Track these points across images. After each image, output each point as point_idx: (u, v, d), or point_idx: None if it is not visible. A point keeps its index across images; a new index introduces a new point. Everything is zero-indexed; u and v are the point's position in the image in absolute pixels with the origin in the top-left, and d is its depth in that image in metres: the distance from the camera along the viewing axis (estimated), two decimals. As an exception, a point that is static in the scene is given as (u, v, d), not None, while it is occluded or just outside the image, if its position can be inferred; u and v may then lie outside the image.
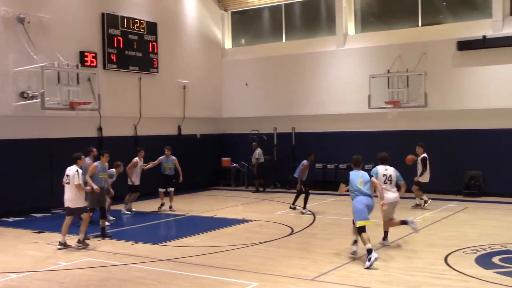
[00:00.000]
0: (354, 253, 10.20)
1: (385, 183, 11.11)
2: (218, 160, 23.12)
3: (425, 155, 16.27)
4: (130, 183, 15.90)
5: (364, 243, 9.63)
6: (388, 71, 18.98)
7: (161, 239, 12.39)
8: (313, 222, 14.18)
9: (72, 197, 11.28)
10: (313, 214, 15.27)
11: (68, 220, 11.43)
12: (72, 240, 11.65)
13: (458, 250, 10.58)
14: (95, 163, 12.82)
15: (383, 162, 11.41)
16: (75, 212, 11.39)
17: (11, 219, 15.26)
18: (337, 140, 20.88)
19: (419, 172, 16.26)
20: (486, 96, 18.36)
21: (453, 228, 12.98)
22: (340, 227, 13.27)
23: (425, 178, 16.24)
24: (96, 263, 10.14)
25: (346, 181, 10.36)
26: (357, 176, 10.32)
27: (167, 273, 9.31)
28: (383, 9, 21.58)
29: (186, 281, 8.81)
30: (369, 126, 20.35)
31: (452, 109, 18.88)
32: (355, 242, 10.25)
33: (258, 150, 21.17)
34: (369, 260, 9.29)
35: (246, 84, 23.08)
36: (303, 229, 13.21)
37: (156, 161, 16.52)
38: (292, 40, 22.76)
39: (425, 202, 16.30)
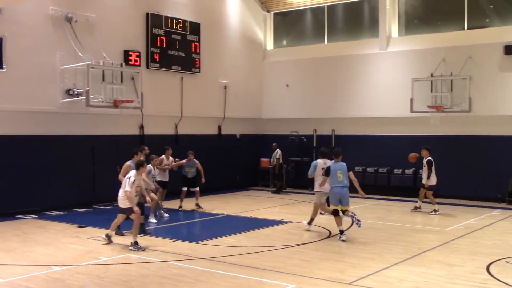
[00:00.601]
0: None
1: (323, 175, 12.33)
2: (257, 160, 23.18)
3: (430, 158, 16.01)
4: (158, 180, 15.82)
5: (338, 225, 12.13)
6: (432, 75, 18.68)
7: (199, 238, 12.49)
8: (351, 225, 14.01)
9: (121, 198, 11.46)
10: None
11: (119, 218, 11.60)
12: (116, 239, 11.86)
13: (501, 259, 10.32)
14: (128, 162, 12.73)
15: (324, 156, 12.87)
16: (125, 212, 11.48)
17: (54, 213, 15.65)
18: (377, 144, 20.66)
19: (425, 176, 16.06)
20: (533, 102, 17.90)
21: (496, 237, 12.67)
22: (379, 232, 13.13)
23: (432, 181, 16.01)
24: (135, 259, 10.30)
25: (328, 173, 12.12)
26: (337, 169, 12.15)
27: (205, 272, 9.39)
28: (428, 12, 21.24)
29: (224, 280, 8.87)
30: (411, 130, 20.07)
31: (497, 115, 18.44)
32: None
33: (278, 151, 21.03)
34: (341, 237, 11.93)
35: (287, 85, 23.07)
36: (341, 232, 13.12)
37: (179, 162, 16.26)
38: (334, 42, 22.63)
39: (416, 207, 16.23)
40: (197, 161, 16.44)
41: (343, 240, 11.87)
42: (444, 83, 18.52)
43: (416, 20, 21.44)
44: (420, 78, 18.87)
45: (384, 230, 13.41)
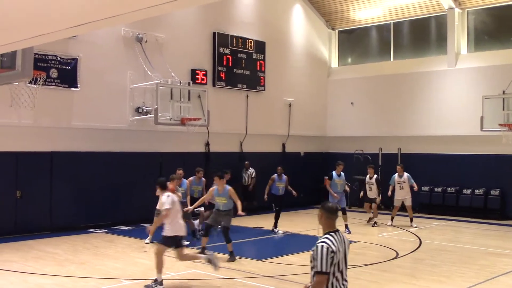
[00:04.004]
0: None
1: None
2: (321, 178, 22.97)
3: (376, 176, 17.33)
4: None
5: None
6: (504, 92, 18.06)
7: (264, 256, 12.50)
8: (419, 246, 13.71)
9: None
10: (419, 238, 14.79)
11: None
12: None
13: None
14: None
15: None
16: None
17: (123, 228, 16.06)
18: (445, 163, 20.11)
19: (373, 193, 17.03)
20: None
21: None
22: (448, 254, 12.74)
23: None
24: (202, 275, 10.42)
25: None
26: None
27: (271, 290, 9.38)
28: (498, 27, 20.63)
29: (290, 299, 8.82)
30: (481, 149, 19.44)
31: None
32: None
33: (252, 169, 19.52)
34: None
35: (352, 103, 22.89)
36: (409, 253, 12.82)
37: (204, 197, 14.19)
38: (400, 59, 22.32)
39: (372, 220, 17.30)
40: (204, 179, 15.01)
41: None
42: (517, 101, 17.87)
43: (486, 36, 20.86)
44: (491, 96, 18.27)
45: (455, 252, 13.00)
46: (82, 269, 10.83)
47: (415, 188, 16.95)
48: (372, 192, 17.35)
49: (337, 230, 5.20)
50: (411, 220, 16.78)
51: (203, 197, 12.70)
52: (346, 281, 5.17)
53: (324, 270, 4.96)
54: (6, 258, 11.68)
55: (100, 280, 9.97)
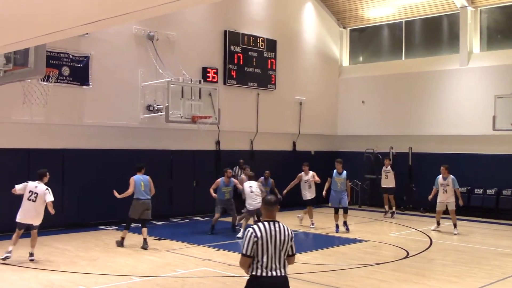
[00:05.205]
0: None
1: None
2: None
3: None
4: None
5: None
6: (516, 91, 17.94)
7: (274, 254, 12.49)
8: (429, 246, 13.66)
9: None
10: (430, 238, 14.73)
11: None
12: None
13: None
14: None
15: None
16: None
17: (133, 225, 16.04)
18: (457, 162, 19.92)
19: (389, 181, 18.47)
20: None
21: None
22: (459, 254, 12.69)
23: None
24: (211, 273, 10.44)
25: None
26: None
27: (280, 288, 9.36)
28: (511, 26, 20.46)
29: (299, 298, 8.82)
30: (493, 149, 19.31)
31: None
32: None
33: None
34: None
35: (363, 102, 22.82)
36: (419, 253, 12.77)
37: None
38: (412, 58, 22.22)
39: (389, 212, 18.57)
40: (235, 180, 15.32)
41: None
42: (530, 100, 17.71)
43: (499, 34, 20.71)
44: (503, 95, 18.11)
45: (466, 252, 12.93)
46: (93, 266, 10.89)
47: (458, 195, 15.92)
48: (388, 180, 18.22)
49: (276, 221, 5.55)
50: (455, 226, 15.73)
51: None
52: (275, 270, 5.39)
53: (245, 252, 5.39)
54: (18, 254, 11.75)
55: (110, 276, 10.02)
